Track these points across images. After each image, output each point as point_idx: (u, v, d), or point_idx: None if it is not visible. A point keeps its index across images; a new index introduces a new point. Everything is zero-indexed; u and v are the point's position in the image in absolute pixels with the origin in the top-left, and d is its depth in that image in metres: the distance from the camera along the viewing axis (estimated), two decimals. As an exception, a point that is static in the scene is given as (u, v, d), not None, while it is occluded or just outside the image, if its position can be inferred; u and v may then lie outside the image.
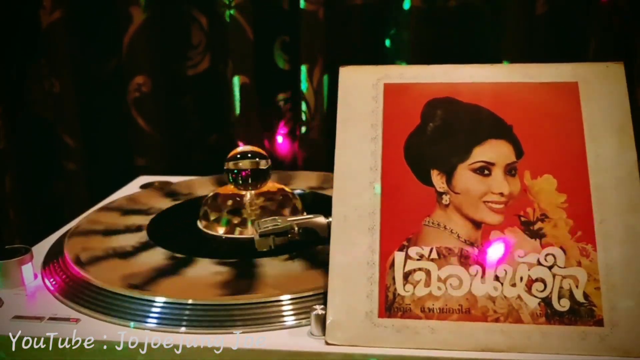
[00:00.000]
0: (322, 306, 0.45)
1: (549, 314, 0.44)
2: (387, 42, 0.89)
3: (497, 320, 0.44)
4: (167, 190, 0.75)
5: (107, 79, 0.96)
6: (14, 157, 0.97)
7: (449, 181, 0.48)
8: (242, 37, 0.89)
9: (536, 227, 0.46)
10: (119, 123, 0.97)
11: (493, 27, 0.85)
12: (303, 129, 0.93)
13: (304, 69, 0.90)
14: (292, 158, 0.96)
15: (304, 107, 0.91)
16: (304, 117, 0.92)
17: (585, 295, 0.44)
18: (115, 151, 0.99)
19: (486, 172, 0.48)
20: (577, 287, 0.45)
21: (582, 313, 0.44)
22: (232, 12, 0.88)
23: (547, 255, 0.45)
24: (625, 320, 0.43)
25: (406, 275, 0.46)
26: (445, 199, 0.47)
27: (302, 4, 0.87)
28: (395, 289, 0.45)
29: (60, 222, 1.01)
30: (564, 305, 0.44)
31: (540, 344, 0.43)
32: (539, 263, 0.45)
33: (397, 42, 0.87)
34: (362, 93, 0.51)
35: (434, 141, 0.49)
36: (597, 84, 0.49)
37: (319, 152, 0.94)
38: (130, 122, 0.95)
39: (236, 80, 0.91)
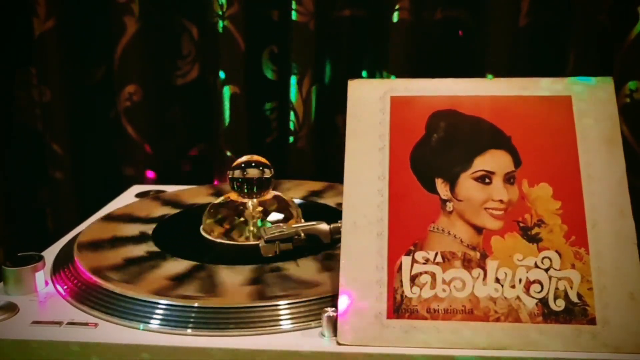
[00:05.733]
0: (332, 308, 0.48)
1: (546, 314, 0.47)
2: (376, 54, 0.91)
3: (498, 320, 0.47)
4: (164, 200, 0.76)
5: (98, 87, 0.97)
6: (0, 164, 0.97)
7: (452, 189, 0.51)
8: (233, 47, 0.91)
9: (533, 232, 0.49)
10: (109, 132, 0.98)
11: (478, 39, 0.88)
12: (291, 139, 0.95)
13: (293, 79, 0.92)
14: (280, 167, 0.98)
15: (292, 117, 0.94)
16: (292, 127, 0.94)
17: (579, 296, 0.47)
18: (104, 160, 1.00)
19: (487, 180, 0.51)
20: (571, 288, 0.47)
21: (576, 312, 0.47)
22: (225, 22, 0.90)
23: (543, 258, 0.48)
24: (616, 319, 0.46)
25: (413, 278, 0.48)
26: (449, 206, 0.50)
27: (293, 15, 0.89)
28: (402, 292, 0.48)
29: (46, 230, 1.01)
30: (559, 305, 0.47)
31: (538, 342, 0.46)
32: (536, 266, 0.48)
33: (386, 54, 0.89)
34: (370, 105, 0.53)
35: (438, 151, 0.52)
36: (588, 98, 0.52)
37: (306, 161, 0.96)
38: (120, 131, 0.96)
39: (226, 90, 0.93)
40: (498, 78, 0.55)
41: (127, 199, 0.80)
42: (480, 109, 0.53)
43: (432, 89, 0.54)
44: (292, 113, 0.93)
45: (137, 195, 0.80)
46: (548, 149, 0.51)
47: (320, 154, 0.96)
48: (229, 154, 0.95)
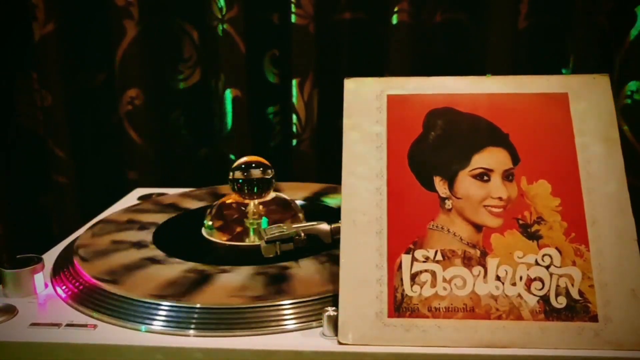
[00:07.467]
0: (333, 308, 0.47)
1: (548, 311, 0.47)
2: (376, 56, 0.92)
3: (499, 317, 0.47)
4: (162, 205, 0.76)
5: (99, 92, 0.97)
6: (3, 169, 0.97)
7: (451, 187, 0.51)
8: (234, 50, 0.91)
9: (533, 229, 0.49)
10: (111, 136, 0.98)
11: (477, 41, 0.88)
12: (294, 142, 0.95)
13: (294, 82, 0.92)
14: (284, 170, 0.98)
15: (294, 119, 0.94)
16: (295, 130, 0.94)
17: (581, 293, 0.47)
18: (107, 164, 1.00)
19: (485, 178, 0.51)
20: (572, 285, 0.47)
21: (578, 309, 0.47)
22: (224, 25, 0.90)
23: (544, 255, 0.48)
24: (618, 316, 0.46)
25: (413, 277, 0.48)
26: (448, 204, 0.50)
27: (292, 18, 0.89)
28: (403, 290, 0.48)
29: (50, 234, 1.02)
30: (561, 302, 0.47)
31: (540, 340, 0.46)
32: (537, 263, 0.48)
33: (385, 56, 0.89)
34: (367, 104, 0.53)
35: (435, 149, 0.52)
36: (585, 94, 0.52)
37: (309, 164, 0.96)
38: (122, 135, 0.96)
39: (228, 94, 0.93)
40: (494, 76, 0.54)
41: (129, 201, 0.80)
42: (477, 107, 0.53)
43: (428, 87, 0.54)
44: (294, 116, 0.94)
45: (140, 198, 0.81)
46: (546, 146, 0.51)
47: (324, 156, 0.96)
48: (232, 157, 0.95)
